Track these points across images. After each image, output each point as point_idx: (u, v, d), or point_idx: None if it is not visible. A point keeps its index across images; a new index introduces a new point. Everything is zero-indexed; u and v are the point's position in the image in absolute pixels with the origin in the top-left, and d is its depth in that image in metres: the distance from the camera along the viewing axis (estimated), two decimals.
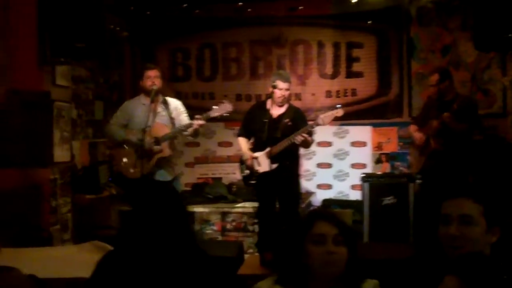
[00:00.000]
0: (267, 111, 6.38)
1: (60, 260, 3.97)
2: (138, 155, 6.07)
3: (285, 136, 6.22)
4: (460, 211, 2.37)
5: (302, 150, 6.72)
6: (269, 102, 6.46)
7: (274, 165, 6.19)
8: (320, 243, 2.33)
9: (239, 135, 6.71)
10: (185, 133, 6.32)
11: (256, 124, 6.47)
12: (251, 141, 6.65)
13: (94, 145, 7.57)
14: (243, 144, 6.62)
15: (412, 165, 7.40)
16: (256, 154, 6.42)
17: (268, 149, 6.24)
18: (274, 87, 6.27)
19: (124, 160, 6.07)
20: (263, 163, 6.36)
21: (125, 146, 6.11)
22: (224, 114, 6.25)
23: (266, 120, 6.20)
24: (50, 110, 5.87)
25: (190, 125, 6.20)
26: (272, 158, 6.19)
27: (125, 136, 6.06)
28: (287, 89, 6.31)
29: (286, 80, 6.32)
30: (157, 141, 6.16)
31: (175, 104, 6.45)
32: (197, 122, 6.17)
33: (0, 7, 5.19)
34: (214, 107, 6.27)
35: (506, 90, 7.75)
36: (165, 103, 6.34)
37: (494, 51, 6.98)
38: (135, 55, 8.98)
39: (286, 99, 6.39)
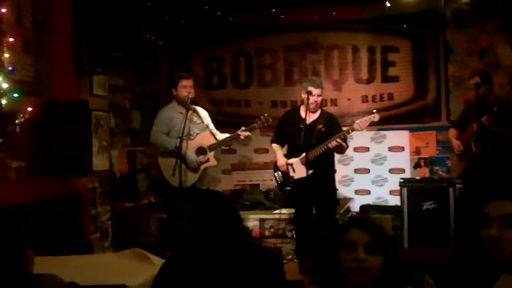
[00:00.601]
0: (301, 117, 6.38)
1: (101, 267, 4.00)
2: (186, 164, 6.16)
3: (319, 142, 6.22)
4: (502, 211, 2.32)
5: (338, 156, 6.71)
6: (302, 109, 6.47)
7: (310, 171, 6.17)
8: (351, 250, 2.30)
9: (272, 142, 6.74)
10: (230, 142, 6.44)
11: (290, 131, 6.48)
12: (285, 147, 6.67)
13: (132, 153, 7.65)
14: (278, 150, 6.65)
15: (452, 169, 7.32)
16: (291, 160, 6.43)
17: (303, 155, 6.23)
18: (308, 93, 6.29)
19: (169, 168, 6.11)
20: (298, 169, 6.36)
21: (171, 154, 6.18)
22: (265, 125, 6.38)
23: (302, 126, 6.19)
24: (88, 119, 5.91)
25: (237, 136, 6.34)
26: (307, 164, 6.18)
27: (174, 145, 6.11)
28: (319, 95, 6.34)
29: (318, 86, 6.34)
30: (204, 151, 6.27)
31: (203, 112, 6.59)
32: (244, 134, 6.30)
33: (38, 17, 5.25)
34: (257, 120, 6.46)
35: None
36: (196, 112, 6.44)
37: None
38: (170, 64, 9.05)
39: (319, 105, 6.41)
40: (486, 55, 8.12)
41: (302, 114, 6.40)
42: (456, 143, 6.75)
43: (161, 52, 8.91)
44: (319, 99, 6.38)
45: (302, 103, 6.53)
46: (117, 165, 7.05)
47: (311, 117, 6.39)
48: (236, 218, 2.66)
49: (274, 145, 6.73)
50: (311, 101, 6.32)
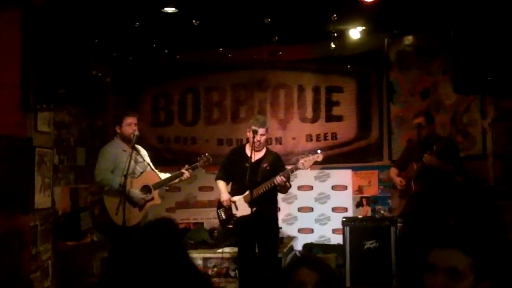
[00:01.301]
0: (246, 155, 6.43)
1: None
2: (131, 203, 6.11)
3: (264, 180, 6.27)
4: (449, 263, 2.23)
5: (282, 194, 6.77)
6: (248, 147, 6.54)
7: (253, 209, 6.18)
8: None
9: (217, 178, 6.76)
10: (174, 181, 6.44)
11: (235, 168, 6.53)
12: (229, 185, 6.70)
13: (76, 191, 7.53)
14: (222, 187, 6.66)
15: (393, 208, 7.42)
16: (235, 198, 6.45)
17: (247, 193, 6.26)
18: (253, 131, 6.35)
19: (114, 207, 6.05)
20: (241, 207, 6.39)
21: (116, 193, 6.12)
22: (207, 164, 6.49)
23: (247, 165, 6.23)
24: (31, 156, 5.83)
25: (180, 174, 6.35)
26: (250, 202, 6.19)
27: (120, 183, 6.05)
28: (263, 134, 6.39)
29: (261, 125, 6.40)
30: (149, 189, 6.23)
31: (143, 151, 6.58)
32: (187, 173, 6.32)
33: None
34: (199, 159, 6.58)
35: (486, 133, 7.81)
36: (137, 151, 6.41)
37: (473, 94, 7.07)
38: (118, 100, 9.00)
39: (264, 144, 6.47)
40: (428, 96, 8.31)
41: (248, 152, 6.46)
42: (397, 179, 6.87)
43: (109, 88, 8.86)
44: (263, 138, 6.44)
45: (248, 141, 6.59)
46: (59, 203, 6.92)
47: (256, 156, 6.45)
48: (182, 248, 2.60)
49: (219, 182, 6.74)
50: (255, 140, 6.38)
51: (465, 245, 2.26)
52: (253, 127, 6.39)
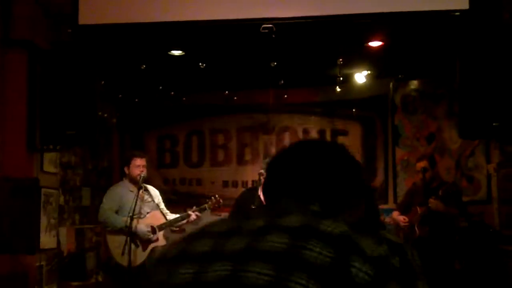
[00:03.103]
0: (259, 198, 6.41)
1: None
2: (135, 243, 6.10)
3: None
4: None
5: None
6: (260, 189, 6.52)
7: None
8: None
9: None
10: (180, 222, 6.44)
11: (247, 210, 6.48)
12: None
13: (81, 231, 7.52)
14: None
15: None
16: None
17: None
18: (259, 174, 6.37)
19: (118, 247, 6.04)
20: None
21: (119, 233, 6.12)
22: (216, 206, 6.43)
23: (254, 207, 6.21)
24: (38, 197, 5.83)
25: (187, 216, 6.36)
26: None
27: (124, 223, 6.05)
28: (259, 178, 6.38)
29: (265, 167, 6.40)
30: (154, 230, 6.23)
31: (154, 191, 6.60)
32: (195, 214, 6.34)
33: None
34: (208, 200, 6.68)
35: (491, 177, 7.81)
36: (147, 191, 6.44)
37: (479, 138, 7.09)
38: (123, 141, 9.04)
39: None
40: (434, 140, 8.34)
41: (261, 195, 6.44)
42: (401, 217, 6.85)
43: (114, 129, 8.91)
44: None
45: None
46: (65, 243, 6.91)
47: None
48: None
49: None
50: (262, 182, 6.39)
51: None
52: (261, 170, 6.42)
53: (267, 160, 6.85)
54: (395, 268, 1.24)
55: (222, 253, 1.34)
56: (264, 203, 1.59)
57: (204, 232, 1.45)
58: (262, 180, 6.34)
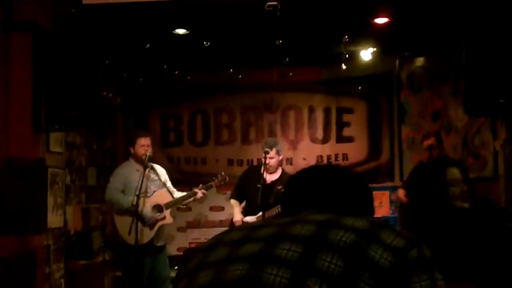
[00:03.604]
0: (262, 176, 6.43)
1: None
2: (142, 222, 6.14)
3: (277, 202, 6.24)
4: None
5: None
6: (263, 168, 6.54)
7: None
8: None
9: (231, 197, 6.77)
10: (187, 201, 6.47)
11: (249, 189, 6.52)
12: (243, 205, 6.70)
13: (87, 210, 7.55)
14: (235, 206, 6.68)
15: (400, 228, 7.38)
16: (247, 218, 6.44)
17: (259, 214, 6.25)
18: (265, 153, 6.40)
19: (125, 226, 6.08)
20: None
21: (126, 212, 6.15)
22: (222, 183, 6.54)
23: (259, 186, 6.23)
24: (44, 177, 5.87)
25: (194, 194, 6.39)
26: None
27: (130, 203, 6.08)
28: (271, 157, 6.40)
29: (270, 147, 6.42)
30: (161, 208, 6.26)
31: (161, 170, 6.63)
32: (201, 192, 6.36)
33: None
34: (214, 178, 6.67)
35: (497, 154, 7.79)
36: (154, 169, 6.46)
37: (485, 116, 7.08)
38: (128, 121, 9.04)
39: (274, 166, 6.47)
40: (439, 118, 8.32)
41: (263, 173, 6.47)
42: (405, 199, 6.86)
43: (119, 109, 8.91)
44: (273, 160, 6.44)
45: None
46: (71, 222, 6.94)
47: (272, 177, 6.47)
48: None
49: (233, 201, 6.76)
50: (266, 161, 6.42)
51: (474, 279, 2.40)
52: (264, 149, 6.44)
53: (267, 139, 6.89)
54: (414, 258, 1.38)
55: (253, 239, 1.52)
56: (283, 212, 1.77)
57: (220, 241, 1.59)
58: (268, 159, 6.36)
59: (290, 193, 1.76)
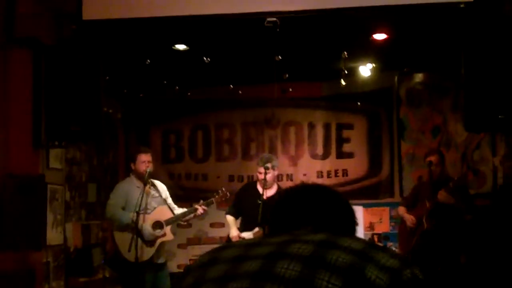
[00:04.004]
0: (258, 192, 6.46)
1: None
2: (142, 239, 6.12)
3: (266, 220, 6.23)
4: None
5: None
6: (259, 184, 6.57)
7: None
8: None
9: (227, 213, 6.78)
10: (187, 217, 6.47)
11: (246, 205, 6.55)
12: (238, 221, 6.72)
13: (87, 227, 7.53)
14: (232, 223, 6.68)
15: (400, 245, 7.40)
16: (244, 234, 6.44)
17: (256, 230, 6.25)
18: (265, 168, 6.42)
19: (125, 243, 6.06)
20: None
21: (126, 229, 6.15)
22: (223, 199, 6.58)
23: (260, 202, 6.25)
24: (44, 193, 5.85)
25: (194, 210, 6.38)
26: None
27: (131, 219, 6.08)
28: (267, 173, 6.41)
29: (262, 163, 6.46)
30: (161, 225, 6.25)
31: (161, 186, 6.62)
32: (202, 208, 6.36)
33: None
34: (215, 194, 6.67)
35: (497, 170, 7.80)
36: (154, 186, 6.46)
37: (484, 132, 7.08)
38: (129, 137, 9.04)
39: (272, 182, 6.48)
40: (439, 133, 8.33)
41: (259, 189, 6.49)
42: (409, 217, 6.86)
43: (119, 125, 8.91)
44: (269, 175, 6.46)
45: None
46: (71, 239, 6.92)
47: (268, 193, 6.46)
48: None
49: (228, 217, 6.77)
50: (259, 177, 6.44)
51: None
52: (258, 166, 6.50)
53: (263, 155, 6.91)
54: (408, 278, 1.42)
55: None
56: (270, 230, 1.81)
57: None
58: (268, 174, 6.37)
59: (281, 211, 1.80)
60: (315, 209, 1.74)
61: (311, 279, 1.38)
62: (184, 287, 1.57)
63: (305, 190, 1.83)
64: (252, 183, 6.96)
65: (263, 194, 6.34)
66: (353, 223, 1.81)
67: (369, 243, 1.52)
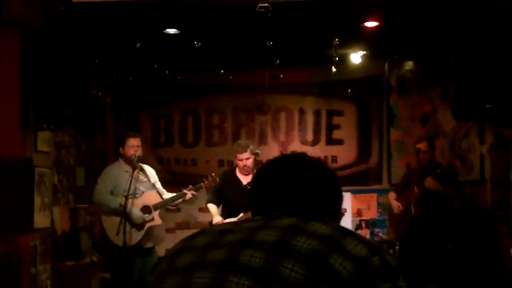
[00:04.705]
0: (237, 179, 6.49)
1: None
2: (130, 223, 6.11)
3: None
4: None
5: None
6: (237, 170, 6.59)
7: None
8: None
9: (208, 202, 6.78)
10: (176, 202, 6.46)
11: (226, 192, 6.57)
12: (220, 208, 6.74)
13: (75, 210, 7.52)
14: (214, 210, 6.69)
15: (390, 231, 7.44)
16: (227, 221, 6.45)
17: (240, 215, 6.26)
18: (235, 157, 6.44)
19: (113, 227, 6.06)
20: None
21: (114, 213, 6.13)
22: (212, 185, 6.58)
23: (242, 187, 6.29)
24: (31, 176, 5.83)
25: (183, 195, 6.38)
26: None
27: (119, 204, 6.06)
28: (247, 158, 6.42)
29: (244, 150, 6.46)
30: (149, 209, 6.24)
31: (150, 170, 6.61)
32: (191, 193, 6.35)
33: None
34: (205, 179, 6.64)
35: (484, 158, 7.84)
36: (143, 170, 6.44)
37: (473, 120, 7.11)
38: (118, 121, 9.02)
39: (251, 167, 6.47)
40: (428, 121, 8.36)
41: (239, 176, 6.54)
42: (395, 203, 6.91)
43: (108, 108, 8.88)
44: (249, 161, 6.47)
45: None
46: (59, 223, 6.91)
47: (246, 179, 6.51)
48: None
49: (210, 205, 6.76)
50: (240, 165, 6.51)
51: (460, 282, 2.41)
52: (236, 153, 6.54)
53: (239, 142, 6.90)
54: (376, 266, 1.36)
55: (220, 244, 1.50)
56: (251, 213, 1.71)
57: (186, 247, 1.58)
58: (245, 160, 6.40)
59: (257, 191, 1.72)
60: (292, 188, 1.65)
61: (276, 267, 1.35)
62: (154, 274, 1.55)
63: (283, 166, 1.73)
64: (230, 171, 6.94)
65: (240, 180, 6.40)
66: (336, 203, 1.72)
67: (338, 228, 1.46)
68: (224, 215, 6.58)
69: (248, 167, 6.43)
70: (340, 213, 1.76)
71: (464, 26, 5.16)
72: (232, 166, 6.98)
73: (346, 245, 1.38)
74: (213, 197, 6.75)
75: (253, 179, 1.78)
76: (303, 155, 1.77)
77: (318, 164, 1.75)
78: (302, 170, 1.70)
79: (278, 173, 1.70)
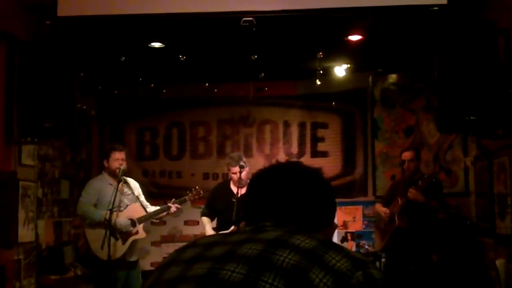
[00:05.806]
0: (231, 191, 6.47)
1: None
2: (114, 236, 6.09)
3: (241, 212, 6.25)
4: None
5: None
6: (232, 183, 6.58)
7: None
8: None
9: (202, 215, 6.76)
10: (160, 215, 6.46)
11: (221, 204, 6.54)
12: (214, 221, 6.72)
13: (59, 224, 7.48)
14: (207, 223, 6.67)
15: (375, 243, 7.46)
16: (212, 233, 6.45)
17: (232, 228, 6.25)
18: (228, 170, 6.45)
19: (97, 240, 6.04)
20: None
21: (98, 226, 6.12)
22: (196, 198, 6.49)
23: (234, 200, 6.25)
24: (15, 190, 5.80)
25: (167, 208, 6.37)
26: None
27: (103, 217, 6.04)
28: (240, 172, 6.40)
29: (236, 163, 6.44)
30: (134, 223, 6.23)
31: (134, 183, 6.60)
32: (175, 206, 6.35)
33: None
34: (189, 192, 6.66)
35: (468, 170, 7.89)
36: (127, 183, 6.44)
37: (456, 132, 7.17)
38: (103, 133, 9.00)
39: (246, 179, 6.46)
40: (412, 133, 8.41)
41: (233, 188, 6.49)
42: (382, 209, 6.93)
43: (94, 121, 8.86)
44: (244, 173, 6.44)
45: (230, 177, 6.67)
46: (43, 236, 6.88)
47: (242, 191, 6.45)
48: None
49: (204, 218, 6.75)
50: (233, 178, 6.48)
51: None
52: (228, 166, 6.52)
53: (232, 155, 6.89)
54: (359, 282, 1.34)
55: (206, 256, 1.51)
56: (246, 222, 1.71)
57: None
58: (242, 172, 6.38)
59: (250, 200, 1.71)
60: (284, 197, 1.65)
61: (255, 282, 1.34)
62: (145, 286, 1.55)
63: (276, 175, 1.72)
64: (224, 183, 6.95)
65: (237, 193, 6.34)
66: (329, 211, 1.72)
67: (322, 242, 1.44)
68: (218, 228, 6.58)
69: (241, 179, 6.42)
70: (333, 223, 1.76)
71: (447, 39, 5.20)
72: (225, 178, 6.97)
73: (329, 260, 1.36)
74: (207, 210, 6.76)
75: (247, 187, 1.78)
76: (297, 163, 1.78)
77: (310, 172, 1.76)
78: (294, 178, 1.69)
79: (270, 182, 1.70)
